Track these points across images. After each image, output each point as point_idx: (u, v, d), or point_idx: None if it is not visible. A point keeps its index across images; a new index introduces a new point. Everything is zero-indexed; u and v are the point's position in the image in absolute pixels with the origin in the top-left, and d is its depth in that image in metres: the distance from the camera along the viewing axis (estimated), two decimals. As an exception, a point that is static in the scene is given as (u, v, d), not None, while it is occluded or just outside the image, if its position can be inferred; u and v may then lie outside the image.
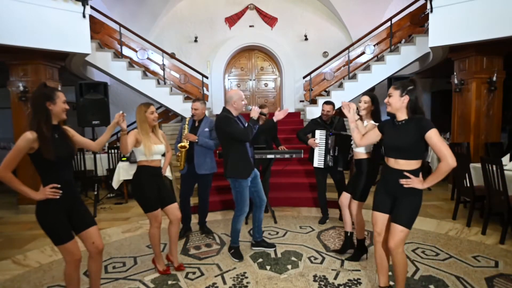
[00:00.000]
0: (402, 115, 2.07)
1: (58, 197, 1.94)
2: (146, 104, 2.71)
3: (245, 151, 2.95)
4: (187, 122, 3.55)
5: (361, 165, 2.84)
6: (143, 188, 2.63)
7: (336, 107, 6.49)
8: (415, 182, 2.00)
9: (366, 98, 2.80)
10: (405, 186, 2.03)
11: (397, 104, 2.06)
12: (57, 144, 1.93)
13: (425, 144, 2.00)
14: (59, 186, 1.94)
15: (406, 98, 2.03)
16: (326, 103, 3.91)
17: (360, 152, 2.83)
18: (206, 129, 3.51)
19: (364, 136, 2.43)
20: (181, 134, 3.59)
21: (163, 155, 2.85)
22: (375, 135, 2.33)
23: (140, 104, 2.73)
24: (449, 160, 1.90)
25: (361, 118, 2.82)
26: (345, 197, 3.00)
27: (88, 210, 2.17)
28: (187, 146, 3.45)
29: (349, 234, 3.09)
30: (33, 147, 1.86)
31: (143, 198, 2.65)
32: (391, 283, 2.37)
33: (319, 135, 3.73)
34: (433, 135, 1.93)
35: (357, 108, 2.69)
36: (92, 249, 2.13)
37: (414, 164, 2.04)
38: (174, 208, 2.75)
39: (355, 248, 3.04)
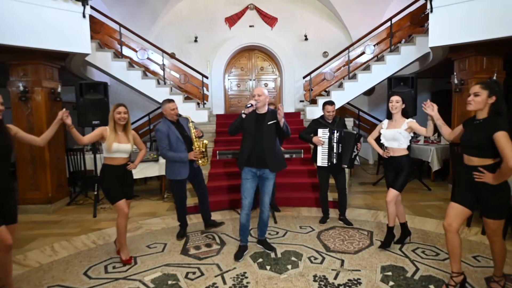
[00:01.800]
0: (482, 114, 2.16)
1: None
2: (117, 104, 2.94)
3: (242, 144, 3.08)
4: (190, 122, 3.53)
5: (402, 161, 3.08)
6: (106, 183, 2.92)
7: (342, 104, 6.61)
8: (487, 177, 2.10)
9: (397, 98, 3.07)
10: (476, 180, 2.13)
11: (482, 104, 2.13)
12: None
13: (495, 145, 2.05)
14: None
15: (493, 99, 2.11)
16: (329, 103, 3.92)
17: (400, 149, 3.07)
18: (189, 125, 3.55)
19: (452, 131, 2.52)
20: (168, 139, 3.36)
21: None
22: (459, 130, 2.39)
23: (116, 103, 2.96)
24: (509, 162, 1.97)
25: (389, 117, 3.13)
26: (392, 193, 3.10)
27: (15, 207, 2.34)
28: (207, 142, 3.60)
29: (392, 229, 3.21)
30: None
31: (106, 191, 2.95)
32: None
33: (322, 134, 3.79)
34: (500, 137, 2.01)
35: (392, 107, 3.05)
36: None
37: (487, 161, 2.12)
38: (127, 203, 3.00)
39: (402, 233, 3.27)
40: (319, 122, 3.97)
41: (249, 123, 3.02)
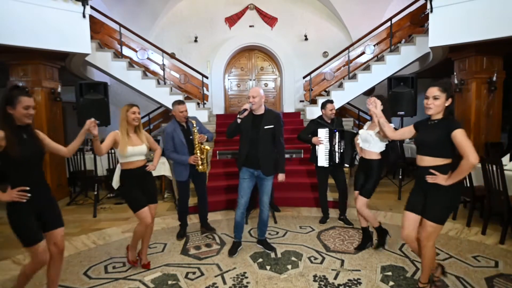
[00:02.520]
0: (437, 116, 2.14)
1: (24, 200, 1.96)
2: (130, 104, 2.79)
3: (241, 146, 3.09)
4: (194, 125, 3.46)
5: (372, 166, 2.97)
6: (126, 190, 2.76)
7: (342, 104, 6.60)
8: (440, 179, 2.07)
9: (377, 100, 2.87)
10: (429, 181, 2.10)
11: (441, 107, 2.11)
12: (24, 144, 1.96)
13: (452, 144, 2.04)
14: (27, 189, 1.96)
15: (449, 102, 2.10)
16: (330, 102, 3.91)
17: (372, 152, 2.97)
18: (198, 128, 3.50)
19: (398, 130, 2.50)
20: (173, 141, 3.40)
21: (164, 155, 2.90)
22: (409, 132, 2.36)
23: (126, 104, 2.80)
24: (470, 158, 1.97)
25: (371, 119, 3.00)
26: (362, 201, 3.05)
27: (59, 210, 2.21)
28: (209, 148, 3.52)
29: (368, 229, 3.21)
30: (0, 146, 1.90)
31: (128, 199, 2.76)
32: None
33: (324, 134, 3.78)
34: (457, 134, 2.00)
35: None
36: (53, 250, 2.16)
37: (440, 161, 2.10)
38: (152, 208, 2.85)
39: (377, 236, 3.18)
40: (318, 123, 3.94)
41: (245, 125, 3.02)
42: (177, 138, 3.41)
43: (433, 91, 2.10)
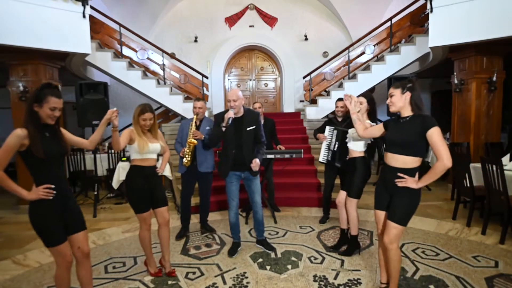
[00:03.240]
0: (406, 112, 2.10)
1: (51, 197, 1.92)
2: (143, 109, 2.62)
3: (225, 151, 3.06)
4: (194, 120, 3.53)
5: (355, 163, 2.94)
6: (134, 189, 2.61)
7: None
8: (409, 182, 2.03)
9: (361, 98, 2.87)
10: (399, 185, 2.06)
11: (400, 102, 2.09)
12: (47, 142, 1.93)
13: (426, 142, 2.00)
14: (52, 186, 1.93)
15: (408, 95, 2.06)
16: (339, 99, 3.89)
17: (355, 150, 2.94)
18: (207, 128, 3.53)
19: (367, 129, 2.44)
20: (182, 132, 3.59)
21: (160, 155, 2.84)
22: (378, 130, 2.34)
23: (140, 104, 2.67)
24: (445, 160, 1.92)
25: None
26: (342, 195, 3.07)
27: (81, 212, 2.14)
28: (196, 142, 3.46)
29: (345, 231, 3.17)
30: (24, 144, 1.86)
31: (133, 199, 2.63)
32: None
33: (328, 131, 3.81)
34: (434, 133, 1.94)
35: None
36: (78, 254, 2.10)
37: (411, 162, 2.06)
38: (163, 211, 2.71)
39: (349, 244, 3.09)
40: (330, 120, 3.99)
41: (229, 130, 2.97)
42: (186, 131, 3.56)
43: (390, 90, 2.15)
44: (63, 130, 2.13)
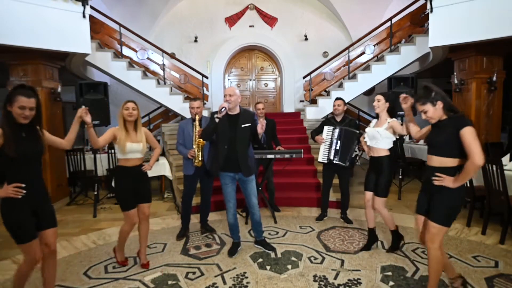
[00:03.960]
0: (442, 117, 2.11)
1: (20, 196, 1.97)
2: (126, 101, 2.80)
3: (218, 149, 3.00)
4: (198, 119, 3.50)
5: (382, 162, 2.97)
6: (120, 188, 2.76)
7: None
8: (446, 181, 2.04)
9: (379, 96, 2.97)
10: (435, 183, 2.08)
11: (436, 113, 2.09)
12: (22, 142, 1.98)
13: (461, 143, 1.99)
14: (23, 185, 1.98)
15: (440, 104, 2.07)
16: (336, 99, 3.96)
17: (381, 149, 2.98)
18: (195, 123, 3.52)
19: (420, 130, 2.46)
20: (183, 134, 3.54)
21: (163, 154, 2.89)
22: (427, 130, 2.34)
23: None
24: (476, 160, 1.92)
25: (377, 116, 3.03)
26: (368, 196, 3.07)
27: (53, 211, 2.21)
28: (204, 142, 3.46)
29: (373, 230, 3.17)
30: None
31: (119, 198, 2.81)
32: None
33: (326, 131, 3.86)
34: (466, 133, 1.95)
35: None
36: (45, 250, 2.16)
37: (448, 162, 2.07)
38: (145, 207, 2.86)
39: (392, 239, 3.12)
40: (328, 120, 4.03)
41: (222, 126, 2.93)
42: (187, 132, 3.54)
43: (418, 107, 2.13)
44: (42, 131, 2.18)
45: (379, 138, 2.95)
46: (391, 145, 2.98)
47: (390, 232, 3.13)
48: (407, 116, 2.49)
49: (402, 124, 2.85)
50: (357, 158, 3.83)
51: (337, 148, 3.74)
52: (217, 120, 2.87)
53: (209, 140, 3.13)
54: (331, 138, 3.80)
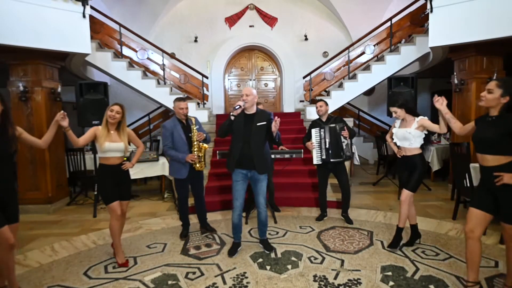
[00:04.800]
0: (494, 111, 2.10)
1: None
2: (114, 103, 2.90)
3: (233, 146, 3.05)
4: (194, 123, 3.49)
5: (415, 160, 3.04)
6: (101, 185, 2.96)
7: (342, 104, 6.63)
8: (506, 178, 2.00)
9: (395, 108, 3.12)
10: (497, 184, 2.04)
11: (494, 102, 2.06)
12: None
13: None
14: None
15: (506, 99, 2.04)
16: (318, 100, 4.12)
17: (413, 148, 3.05)
18: (197, 127, 3.52)
19: (463, 126, 2.45)
20: (171, 137, 3.40)
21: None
22: (471, 127, 2.33)
23: None
24: None
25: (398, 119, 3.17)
26: (405, 193, 3.08)
27: (17, 207, 2.36)
28: (207, 146, 3.53)
29: (402, 230, 3.17)
30: None
31: (100, 191, 2.99)
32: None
33: (314, 133, 3.94)
34: None
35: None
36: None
37: (504, 159, 2.04)
38: (123, 204, 2.97)
39: (412, 235, 3.21)
40: (315, 122, 4.08)
41: (238, 124, 3.00)
42: (177, 134, 3.42)
43: (490, 84, 2.09)
44: (20, 130, 2.33)
45: (411, 138, 3.02)
46: (422, 142, 3.05)
47: (410, 227, 3.21)
48: (446, 114, 2.52)
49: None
50: (350, 148, 3.88)
51: (327, 146, 3.80)
52: (232, 117, 2.95)
53: (225, 137, 3.13)
54: (320, 139, 3.86)
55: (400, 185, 3.22)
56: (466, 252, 2.27)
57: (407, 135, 3.03)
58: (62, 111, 2.53)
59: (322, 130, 3.86)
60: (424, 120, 2.98)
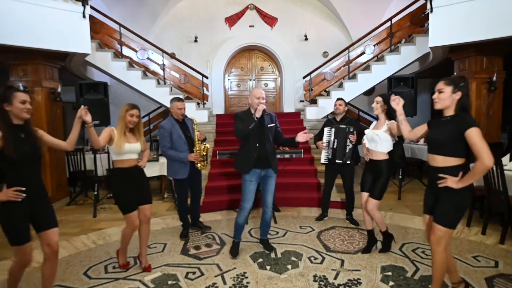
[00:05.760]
0: (449, 111, 2.05)
1: (20, 199, 1.95)
2: (131, 105, 2.71)
3: (249, 147, 2.98)
4: (195, 123, 3.50)
5: (381, 166, 2.91)
6: (119, 191, 2.66)
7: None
8: (450, 181, 1.97)
9: (378, 98, 2.93)
10: (439, 186, 2.02)
11: (448, 100, 2.01)
12: (21, 143, 1.95)
13: (465, 142, 1.94)
14: (23, 189, 1.96)
15: (458, 95, 1.99)
16: (338, 99, 4.04)
17: (380, 152, 2.91)
18: (194, 126, 3.54)
19: (413, 130, 2.40)
20: (170, 137, 3.39)
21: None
22: (423, 130, 2.28)
23: (128, 103, 2.74)
24: (485, 161, 1.85)
25: (377, 118, 3.00)
26: (365, 197, 3.03)
27: (53, 211, 2.19)
28: (209, 146, 3.52)
29: (372, 232, 3.13)
30: None
31: (119, 201, 2.67)
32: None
33: (326, 132, 3.91)
34: (472, 134, 1.89)
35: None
36: (46, 250, 2.14)
37: (450, 162, 2.01)
38: (146, 209, 2.78)
39: (383, 240, 3.11)
40: (329, 121, 4.06)
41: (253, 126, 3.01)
42: (176, 134, 3.41)
43: (439, 84, 2.05)
44: (41, 132, 2.17)
45: (378, 141, 2.89)
46: (390, 148, 2.90)
47: (381, 234, 3.10)
48: (399, 116, 2.44)
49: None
50: (355, 151, 3.83)
51: (335, 147, 3.78)
52: (256, 119, 2.90)
53: (242, 138, 3.04)
54: (330, 139, 3.84)
55: (361, 188, 3.09)
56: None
57: (375, 137, 2.90)
58: (83, 106, 2.35)
59: (333, 130, 3.83)
60: (393, 123, 2.77)
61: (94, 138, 2.49)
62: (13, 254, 2.07)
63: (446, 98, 2.01)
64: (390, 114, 2.89)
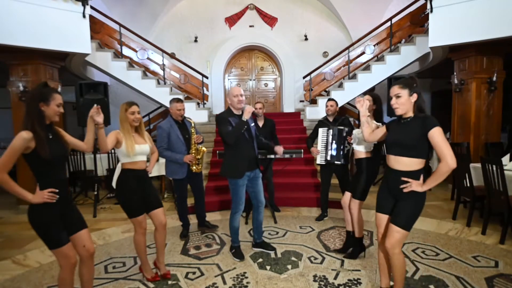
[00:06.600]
0: (408, 113, 2.04)
1: (54, 201, 1.89)
2: (128, 103, 2.57)
3: (240, 150, 2.90)
4: (193, 125, 3.49)
5: (361, 164, 2.89)
6: (127, 193, 2.52)
7: (342, 104, 6.61)
8: (414, 185, 1.96)
9: (368, 97, 2.81)
10: (404, 191, 1.99)
11: (407, 104, 2.00)
12: (51, 144, 1.89)
13: (428, 143, 1.94)
14: (57, 190, 1.90)
15: (415, 97, 1.99)
16: (328, 99, 4.02)
17: (360, 151, 2.88)
18: (192, 129, 3.52)
19: (373, 132, 2.39)
20: (167, 138, 3.38)
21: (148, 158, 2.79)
22: (382, 132, 2.27)
23: (124, 102, 2.62)
24: (449, 161, 1.84)
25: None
26: (347, 196, 3.01)
27: (79, 212, 2.12)
28: (205, 150, 3.50)
29: (351, 234, 3.06)
30: (29, 147, 1.81)
31: (126, 203, 2.53)
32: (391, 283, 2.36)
33: (321, 132, 3.88)
34: (436, 134, 1.87)
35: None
36: (83, 253, 2.06)
37: (414, 164, 1.99)
38: (159, 213, 2.62)
39: (354, 246, 3.04)
40: (322, 122, 4.03)
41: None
42: (174, 134, 3.41)
43: (394, 89, 2.03)
44: (62, 131, 2.11)
45: (356, 140, 2.90)
46: (371, 148, 2.83)
47: (354, 238, 2.99)
48: (362, 117, 2.42)
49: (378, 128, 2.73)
50: (349, 153, 3.82)
51: (333, 147, 3.76)
52: (244, 119, 2.83)
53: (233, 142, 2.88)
54: (326, 139, 3.81)
55: (342, 184, 3.06)
56: (378, 257, 2.28)
57: (357, 135, 2.87)
58: (95, 105, 2.22)
59: (330, 130, 3.77)
60: (374, 125, 2.67)
61: (103, 141, 2.37)
62: (57, 260, 1.96)
63: (405, 102, 2.00)
64: (377, 114, 2.84)
